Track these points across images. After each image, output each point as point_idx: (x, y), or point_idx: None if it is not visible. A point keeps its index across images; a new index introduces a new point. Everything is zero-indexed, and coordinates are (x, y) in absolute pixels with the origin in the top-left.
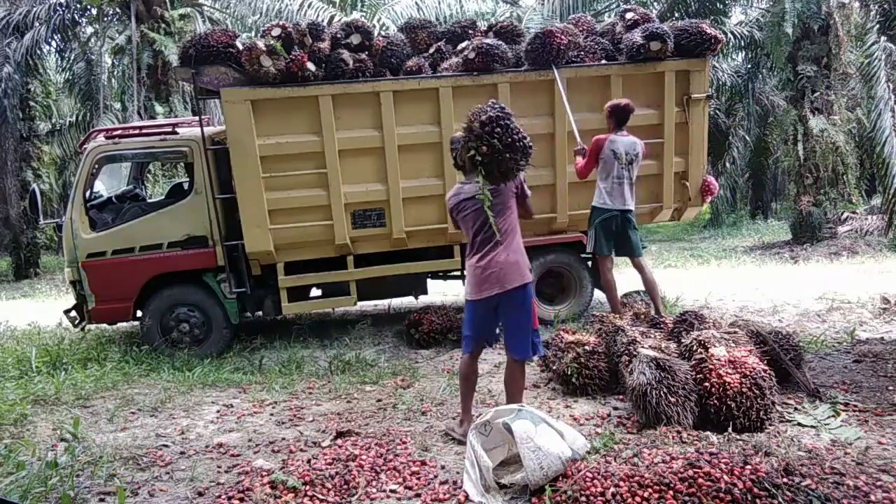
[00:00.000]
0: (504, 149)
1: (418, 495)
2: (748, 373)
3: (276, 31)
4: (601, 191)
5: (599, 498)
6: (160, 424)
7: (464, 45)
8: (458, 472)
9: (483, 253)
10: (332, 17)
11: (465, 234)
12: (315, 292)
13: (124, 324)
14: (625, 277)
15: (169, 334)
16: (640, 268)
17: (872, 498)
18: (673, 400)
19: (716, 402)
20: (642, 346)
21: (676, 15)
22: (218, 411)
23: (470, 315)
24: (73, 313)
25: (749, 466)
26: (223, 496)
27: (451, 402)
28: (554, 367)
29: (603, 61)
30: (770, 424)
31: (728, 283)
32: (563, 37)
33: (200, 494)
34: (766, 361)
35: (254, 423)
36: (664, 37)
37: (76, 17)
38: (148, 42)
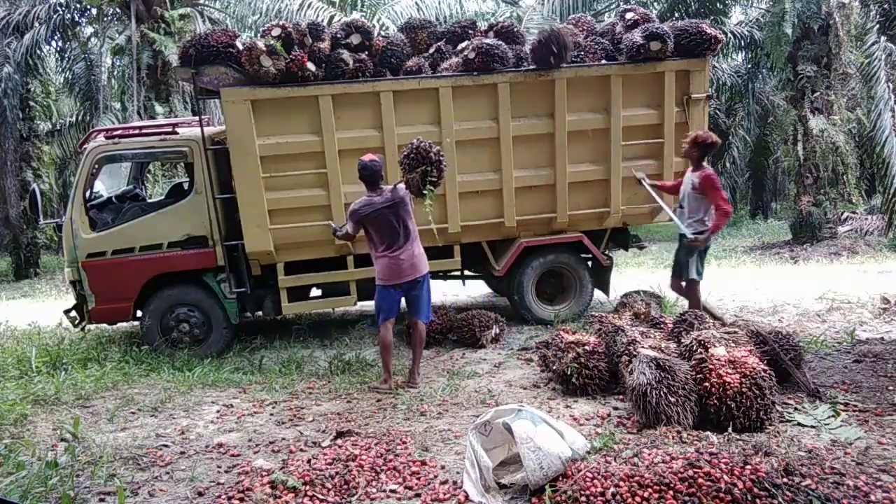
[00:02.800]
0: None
1: (418, 495)
2: (748, 373)
3: (276, 31)
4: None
5: (599, 498)
6: (160, 424)
7: (464, 45)
8: (458, 472)
9: (402, 248)
10: (332, 17)
11: (375, 234)
12: (315, 292)
13: (124, 324)
14: (624, 278)
15: (169, 334)
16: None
17: (872, 498)
18: (673, 400)
19: (716, 402)
20: (642, 346)
21: (676, 15)
22: (218, 411)
23: (387, 296)
24: (73, 313)
25: (749, 466)
26: (223, 496)
27: (451, 402)
28: (554, 367)
29: (603, 61)
30: (770, 424)
31: (728, 283)
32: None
33: (200, 494)
34: (766, 361)
35: (254, 423)
36: (664, 37)
37: (76, 17)
38: (148, 42)
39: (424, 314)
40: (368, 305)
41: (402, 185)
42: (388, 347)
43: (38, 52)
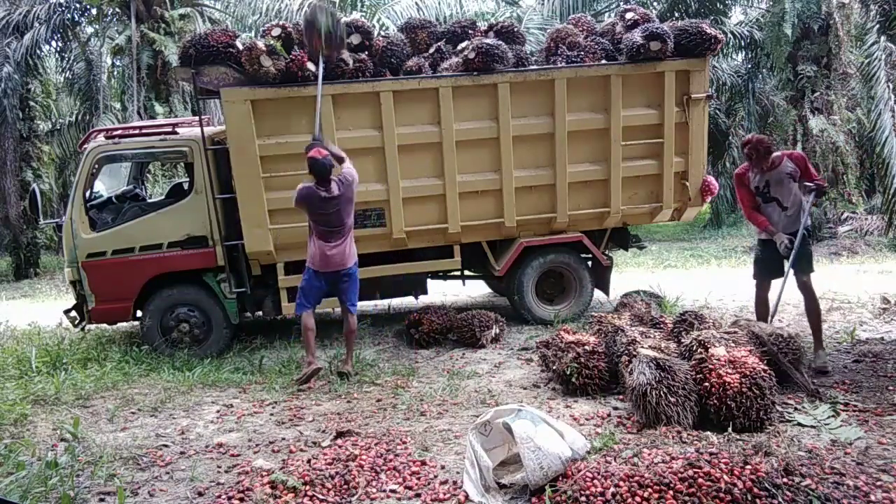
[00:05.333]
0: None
1: (418, 495)
2: (748, 373)
3: (276, 31)
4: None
5: (599, 498)
6: (160, 424)
7: (464, 45)
8: (458, 472)
9: (334, 243)
10: None
11: (311, 221)
12: None
13: (124, 324)
14: (624, 278)
15: (169, 334)
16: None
17: (872, 498)
18: (673, 400)
19: (716, 402)
20: (642, 346)
21: (676, 15)
22: (218, 411)
23: (312, 279)
24: (73, 313)
25: (749, 466)
26: (223, 496)
27: (451, 402)
28: (554, 367)
29: (603, 61)
30: (770, 424)
31: (728, 283)
32: None
33: (200, 494)
34: (765, 361)
35: (254, 423)
36: (664, 37)
37: (76, 17)
38: (148, 42)
39: (352, 302)
40: (369, 305)
41: (348, 172)
42: (312, 330)
43: (38, 52)
